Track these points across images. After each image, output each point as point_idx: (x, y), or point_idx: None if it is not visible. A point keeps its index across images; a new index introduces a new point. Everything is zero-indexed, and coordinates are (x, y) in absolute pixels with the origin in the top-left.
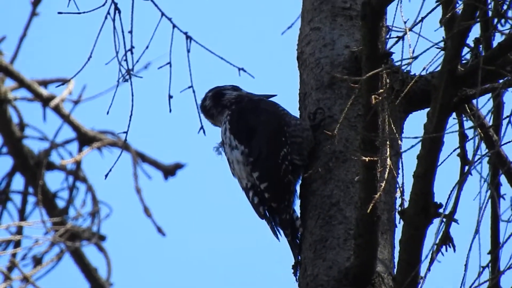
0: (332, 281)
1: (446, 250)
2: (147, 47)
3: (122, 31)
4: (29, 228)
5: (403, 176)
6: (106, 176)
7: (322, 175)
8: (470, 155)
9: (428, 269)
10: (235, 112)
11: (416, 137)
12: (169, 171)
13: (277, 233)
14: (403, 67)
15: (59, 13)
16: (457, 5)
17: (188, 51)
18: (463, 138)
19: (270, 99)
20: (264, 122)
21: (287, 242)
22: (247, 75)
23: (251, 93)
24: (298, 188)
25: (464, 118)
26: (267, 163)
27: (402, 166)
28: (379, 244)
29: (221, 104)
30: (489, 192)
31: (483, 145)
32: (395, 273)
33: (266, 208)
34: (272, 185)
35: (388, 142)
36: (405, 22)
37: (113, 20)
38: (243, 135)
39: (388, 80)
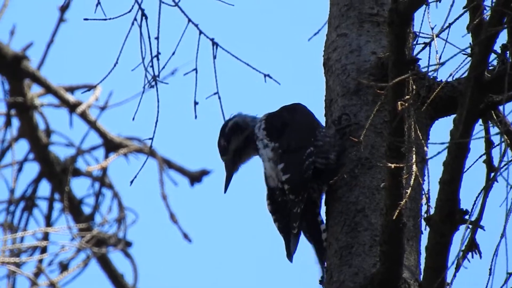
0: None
1: (472, 257)
2: (173, 53)
3: (149, 37)
4: (55, 234)
5: (429, 182)
6: (131, 182)
7: (347, 182)
8: (496, 162)
9: (454, 276)
10: (271, 115)
11: (442, 143)
12: (195, 177)
13: (291, 250)
14: (429, 73)
15: (85, 19)
16: (485, 11)
17: (214, 57)
18: (489, 144)
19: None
20: (298, 120)
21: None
22: (273, 81)
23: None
24: (323, 195)
25: (490, 125)
26: (293, 156)
27: (428, 172)
28: (405, 250)
29: (246, 130)
30: None
31: (509, 152)
32: (421, 279)
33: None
34: (293, 177)
35: (414, 149)
36: (432, 28)
37: (140, 26)
38: (275, 133)
39: (414, 87)
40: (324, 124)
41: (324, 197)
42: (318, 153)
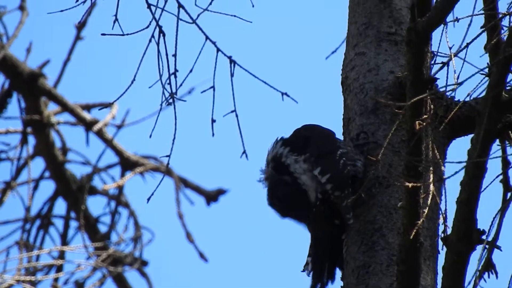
0: None
1: (489, 277)
2: (191, 71)
3: (166, 54)
4: (71, 252)
5: (446, 202)
6: (148, 200)
7: (365, 201)
8: None
9: None
10: (286, 138)
11: (460, 162)
12: (212, 196)
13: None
14: (447, 93)
15: (103, 34)
16: (502, 31)
17: (232, 75)
18: (506, 164)
19: None
20: (319, 133)
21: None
22: (290, 100)
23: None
24: None
25: (508, 144)
26: (327, 159)
27: (445, 192)
28: (422, 270)
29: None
30: None
31: None
32: None
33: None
34: (333, 175)
35: (431, 168)
36: (450, 48)
37: (157, 43)
38: (299, 147)
39: (432, 106)
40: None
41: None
42: (347, 159)
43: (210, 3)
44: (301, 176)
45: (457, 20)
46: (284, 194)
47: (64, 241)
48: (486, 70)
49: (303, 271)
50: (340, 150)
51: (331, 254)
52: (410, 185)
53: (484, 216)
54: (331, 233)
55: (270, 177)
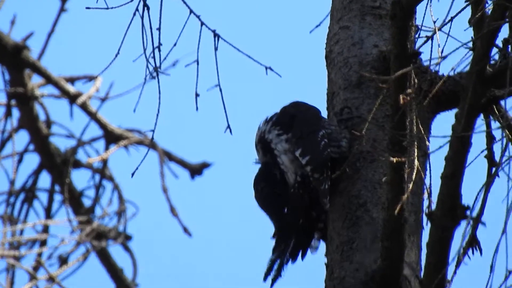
0: (359, 284)
1: (473, 253)
2: (175, 45)
3: (151, 28)
4: (55, 226)
5: (430, 177)
6: (132, 174)
7: (349, 175)
8: (497, 157)
9: (455, 273)
10: (273, 115)
11: (444, 136)
12: (196, 170)
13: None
14: (431, 67)
15: (87, 8)
16: (487, 5)
17: (216, 49)
18: (490, 139)
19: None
20: (303, 111)
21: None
22: (274, 74)
23: None
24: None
25: (492, 119)
26: (307, 140)
27: (429, 167)
28: (406, 246)
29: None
30: None
31: (510, 147)
32: (421, 276)
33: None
34: (313, 157)
35: (416, 143)
36: (434, 22)
37: (142, 16)
38: (285, 125)
39: (416, 80)
40: (326, 117)
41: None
42: (330, 140)
43: None
44: (281, 155)
45: None
46: (263, 191)
47: (48, 214)
48: (470, 44)
49: (273, 238)
50: (322, 131)
51: (300, 236)
52: (394, 160)
53: (469, 191)
54: (306, 218)
55: (261, 163)
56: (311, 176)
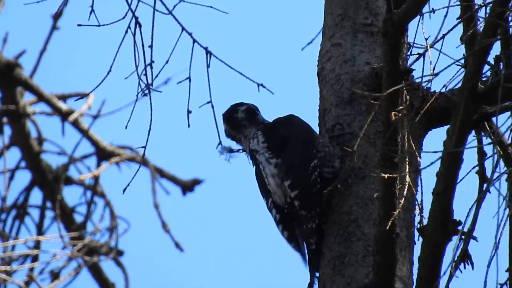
0: None
1: (465, 267)
2: (167, 62)
3: (143, 45)
4: (47, 242)
5: (422, 193)
6: (124, 191)
7: (341, 192)
8: (488, 173)
9: (447, 287)
10: (267, 127)
11: (436, 152)
12: (187, 186)
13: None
14: (423, 84)
15: (79, 25)
16: (478, 22)
17: (208, 66)
18: (481, 155)
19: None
20: (296, 134)
21: (304, 257)
22: (266, 91)
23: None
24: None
25: (483, 135)
26: (298, 172)
27: (421, 183)
28: (397, 261)
29: (253, 122)
30: (507, 209)
31: (501, 163)
32: None
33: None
34: (302, 193)
35: (407, 159)
36: (426, 39)
37: (134, 34)
38: (276, 148)
39: (408, 97)
40: (318, 133)
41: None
42: (323, 163)
43: None
44: (269, 177)
45: (433, 11)
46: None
47: (40, 231)
48: (462, 61)
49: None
50: (313, 162)
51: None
52: (386, 176)
53: (460, 207)
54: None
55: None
56: (298, 211)
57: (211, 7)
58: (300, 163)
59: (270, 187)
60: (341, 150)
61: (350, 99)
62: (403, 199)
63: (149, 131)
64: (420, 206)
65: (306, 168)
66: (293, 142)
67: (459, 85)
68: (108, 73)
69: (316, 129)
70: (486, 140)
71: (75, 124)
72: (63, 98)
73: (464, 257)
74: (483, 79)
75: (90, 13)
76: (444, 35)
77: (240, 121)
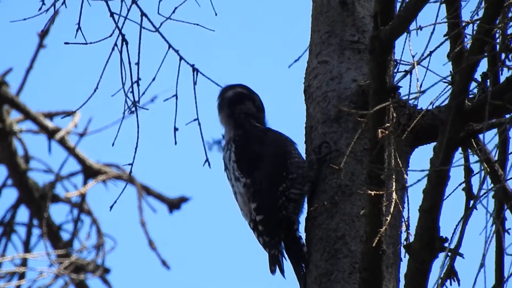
0: None
1: (451, 284)
2: (153, 79)
3: (129, 63)
4: (33, 260)
5: (408, 210)
6: (111, 208)
7: (328, 209)
8: (475, 190)
9: None
10: (241, 139)
11: (422, 170)
12: (174, 204)
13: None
14: (410, 101)
15: (66, 43)
16: (465, 39)
17: (195, 83)
18: (468, 172)
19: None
20: (269, 153)
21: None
22: None
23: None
24: (303, 220)
25: (470, 153)
26: (265, 196)
27: (407, 200)
28: (384, 278)
29: (233, 113)
30: (494, 226)
31: (488, 180)
32: None
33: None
34: (266, 218)
35: (394, 176)
36: (413, 56)
37: (120, 51)
38: (247, 166)
39: (395, 114)
40: (297, 144)
41: (304, 223)
42: (292, 185)
43: (173, 12)
44: (237, 195)
45: (420, 28)
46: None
47: (27, 248)
48: (449, 78)
49: None
50: (282, 186)
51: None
52: (372, 193)
53: (447, 224)
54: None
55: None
56: (260, 236)
57: (198, 24)
58: (268, 187)
59: (238, 203)
60: (328, 168)
61: (337, 116)
62: (390, 216)
63: (135, 149)
64: (406, 223)
65: (273, 193)
66: (265, 163)
67: (446, 102)
68: (94, 91)
69: (302, 146)
70: (472, 157)
71: (62, 142)
72: (50, 116)
73: (451, 274)
74: (470, 96)
75: (77, 30)
76: (431, 52)
77: (221, 103)
